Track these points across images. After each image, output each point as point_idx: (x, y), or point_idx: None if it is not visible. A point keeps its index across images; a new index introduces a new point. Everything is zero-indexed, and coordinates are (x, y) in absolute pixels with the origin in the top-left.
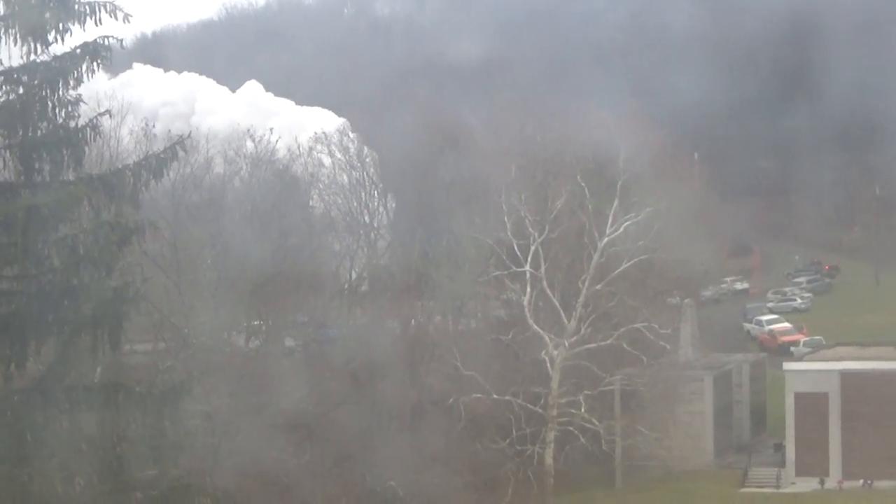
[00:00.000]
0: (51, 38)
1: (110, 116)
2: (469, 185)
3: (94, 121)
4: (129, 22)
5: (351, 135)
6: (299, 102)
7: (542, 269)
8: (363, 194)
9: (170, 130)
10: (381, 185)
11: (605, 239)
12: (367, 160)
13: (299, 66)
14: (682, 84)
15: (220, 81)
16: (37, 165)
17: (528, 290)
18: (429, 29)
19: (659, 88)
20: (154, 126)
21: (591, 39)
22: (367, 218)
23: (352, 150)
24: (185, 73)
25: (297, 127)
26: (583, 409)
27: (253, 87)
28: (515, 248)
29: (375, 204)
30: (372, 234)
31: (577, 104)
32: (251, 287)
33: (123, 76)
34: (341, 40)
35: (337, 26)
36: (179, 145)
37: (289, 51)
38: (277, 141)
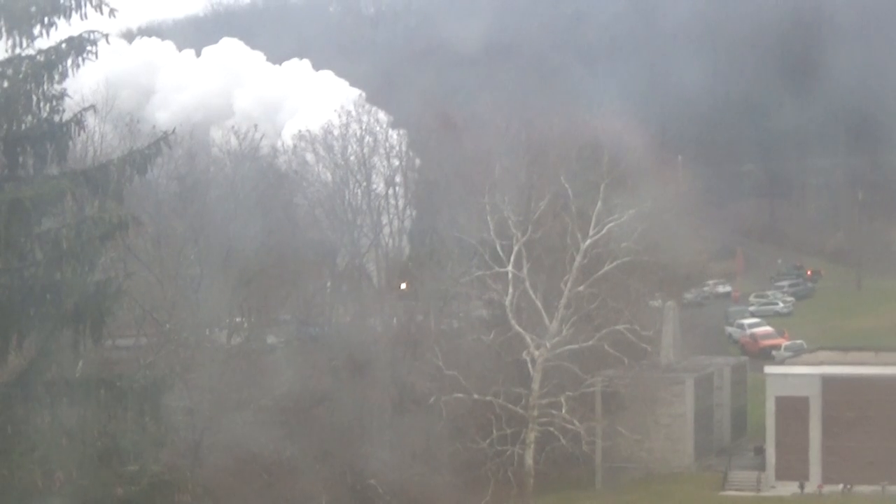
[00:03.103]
0: (36, 31)
1: (95, 111)
2: (453, 184)
3: (79, 115)
4: (114, 17)
5: (335, 132)
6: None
7: (525, 270)
8: (346, 193)
9: (154, 126)
10: (364, 183)
11: (588, 240)
12: (352, 158)
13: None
14: (667, 87)
15: None
16: (21, 159)
17: (511, 290)
18: (415, 28)
19: (645, 91)
20: (138, 121)
21: (580, 40)
22: (350, 215)
23: (336, 148)
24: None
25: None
26: (564, 410)
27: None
28: (498, 248)
29: (359, 202)
30: (355, 233)
31: (564, 105)
32: (234, 283)
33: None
34: (327, 36)
35: (322, 23)
36: (164, 141)
37: (275, 46)
38: (261, 139)
